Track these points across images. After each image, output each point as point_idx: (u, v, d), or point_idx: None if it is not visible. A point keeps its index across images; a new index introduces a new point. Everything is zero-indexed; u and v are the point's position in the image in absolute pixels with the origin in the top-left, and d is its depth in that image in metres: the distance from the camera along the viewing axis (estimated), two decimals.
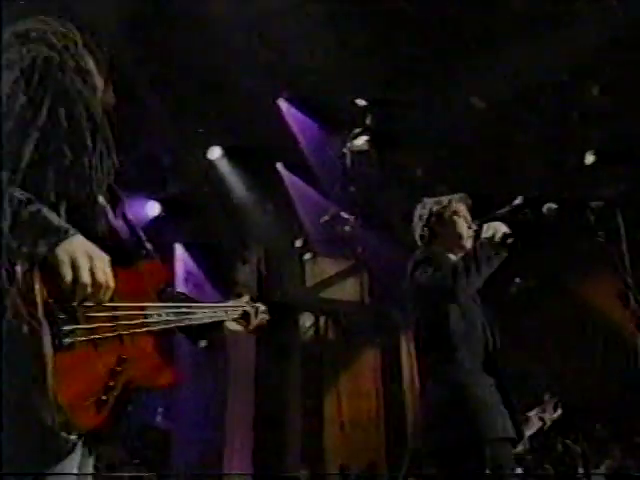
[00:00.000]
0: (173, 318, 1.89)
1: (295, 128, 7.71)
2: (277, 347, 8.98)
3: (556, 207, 3.06)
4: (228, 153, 7.75)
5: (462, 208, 3.22)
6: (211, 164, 7.73)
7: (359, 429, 9.61)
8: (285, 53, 6.99)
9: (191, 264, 8.40)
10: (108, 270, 1.58)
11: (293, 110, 7.67)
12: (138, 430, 6.44)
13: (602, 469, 6.98)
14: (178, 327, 1.94)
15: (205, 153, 7.66)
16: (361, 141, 7.58)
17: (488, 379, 2.87)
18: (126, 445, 5.52)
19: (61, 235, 1.52)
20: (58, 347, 1.50)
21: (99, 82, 1.90)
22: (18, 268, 1.48)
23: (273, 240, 8.86)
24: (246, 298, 2.34)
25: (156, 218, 7.78)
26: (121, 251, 1.74)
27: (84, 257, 1.53)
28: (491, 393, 2.84)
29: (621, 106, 6.61)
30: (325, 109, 7.62)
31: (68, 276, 1.51)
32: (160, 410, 7.03)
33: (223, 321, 2.22)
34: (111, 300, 1.63)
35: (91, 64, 1.88)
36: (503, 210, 3.09)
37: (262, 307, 2.38)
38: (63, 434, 1.50)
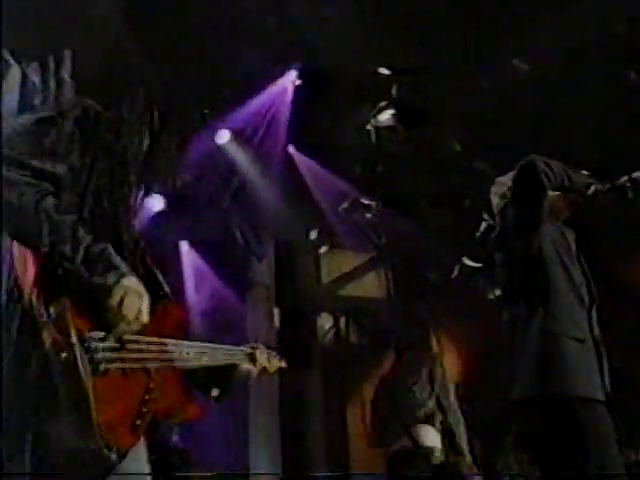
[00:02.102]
0: (192, 355, 2.09)
1: (307, 103, 6.91)
2: (295, 353, 8.29)
3: None
4: (237, 136, 6.92)
5: None
6: (219, 149, 6.89)
7: None
8: (296, 19, 6.20)
9: (199, 262, 7.55)
10: (146, 310, 1.86)
11: (304, 83, 6.85)
12: (158, 450, 5.74)
13: None
14: (191, 381, 2.13)
15: (213, 137, 6.81)
16: (386, 115, 6.77)
17: (581, 336, 2.85)
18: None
19: (122, 271, 1.83)
20: (93, 372, 1.67)
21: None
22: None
23: (285, 232, 8.06)
24: (259, 345, 2.53)
25: (160, 213, 6.92)
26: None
27: (136, 294, 1.82)
28: (582, 350, 2.83)
29: None
30: (343, 80, 6.75)
31: (118, 303, 1.77)
32: (176, 430, 6.26)
33: (236, 366, 2.39)
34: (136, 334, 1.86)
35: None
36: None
37: (273, 353, 2.61)
38: (105, 452, 1.64)
